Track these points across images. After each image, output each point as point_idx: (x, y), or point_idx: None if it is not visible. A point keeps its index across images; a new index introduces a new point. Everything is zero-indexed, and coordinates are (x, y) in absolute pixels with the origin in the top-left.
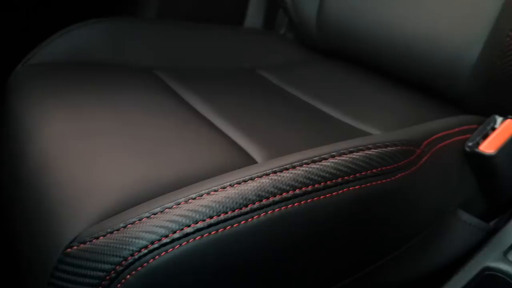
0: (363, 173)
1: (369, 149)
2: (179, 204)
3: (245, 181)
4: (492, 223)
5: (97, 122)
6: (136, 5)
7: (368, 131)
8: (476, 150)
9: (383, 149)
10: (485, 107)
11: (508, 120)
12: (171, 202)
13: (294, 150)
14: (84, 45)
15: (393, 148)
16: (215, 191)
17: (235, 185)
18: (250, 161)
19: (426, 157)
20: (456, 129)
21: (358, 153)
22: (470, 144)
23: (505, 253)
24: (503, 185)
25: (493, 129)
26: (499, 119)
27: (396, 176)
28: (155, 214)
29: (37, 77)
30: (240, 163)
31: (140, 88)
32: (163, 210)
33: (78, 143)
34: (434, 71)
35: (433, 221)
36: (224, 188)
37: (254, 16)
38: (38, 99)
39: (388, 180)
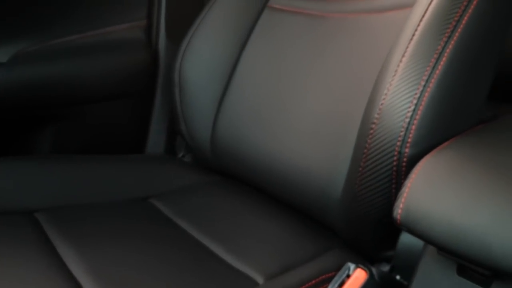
0: None
1: None
2: None
3: None
4: None
5: None
6: (29, 142)
7: (250, 275)
8: None
9: None
10: (354, 241)
11: (358, 270)
12: None
13: None
14: None
15: None
16: None
17: None
18: None
19: None
20: (313, 281)
21: None
22: None
23: None
24: None
25: (348, 276)
26: (352, 266)
27: None
28: None
29: None
30: None
31: (7, 242)
32: None
33: None
34: (308, 201)
35: None
36: None
37: (155, 142)
38: None
39: None
